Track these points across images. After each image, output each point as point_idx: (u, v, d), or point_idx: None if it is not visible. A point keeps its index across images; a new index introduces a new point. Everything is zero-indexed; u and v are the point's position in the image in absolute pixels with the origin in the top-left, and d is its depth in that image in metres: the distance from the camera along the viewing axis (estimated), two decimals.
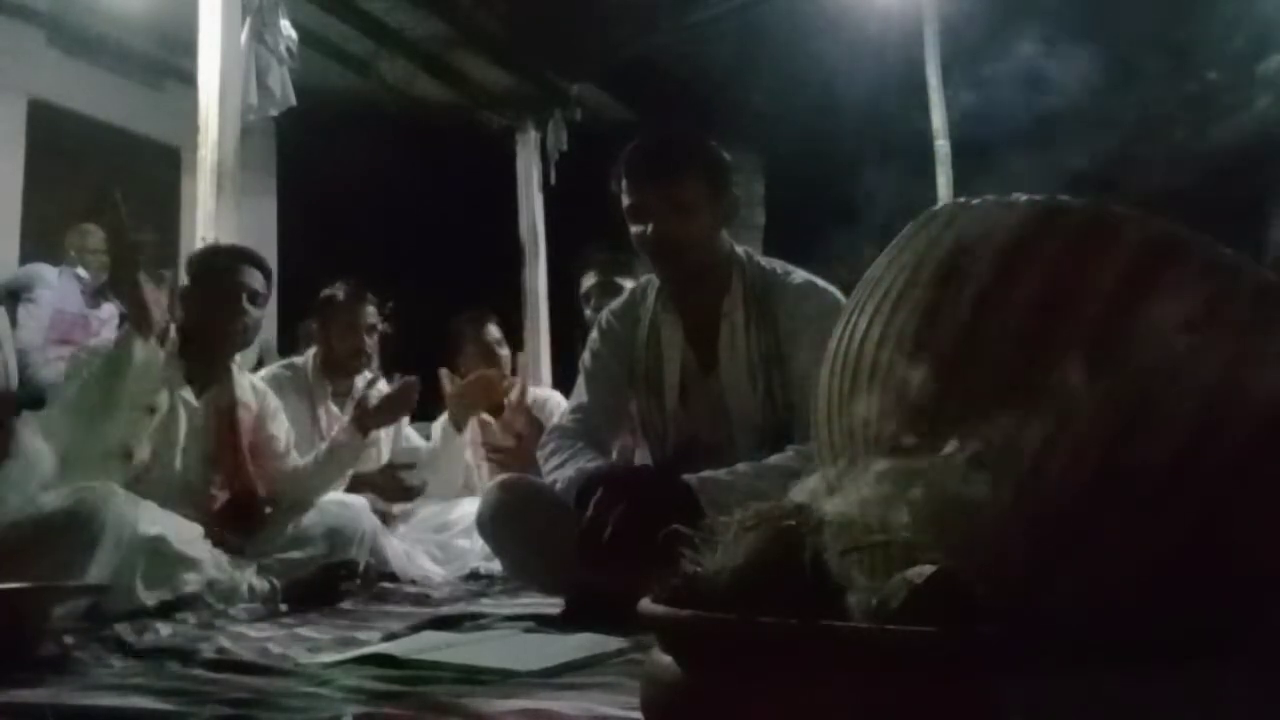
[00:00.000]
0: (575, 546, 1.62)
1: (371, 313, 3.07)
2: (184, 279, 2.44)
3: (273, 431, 2.50)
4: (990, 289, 0.75)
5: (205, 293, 2.34)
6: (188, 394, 2.30)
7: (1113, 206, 0.76)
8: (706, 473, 1.70)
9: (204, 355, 2.34)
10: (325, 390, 3.04)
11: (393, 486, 2.93)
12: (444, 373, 3.22)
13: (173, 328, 2.30)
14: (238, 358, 2.48)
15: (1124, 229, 0.74)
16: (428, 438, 3.42)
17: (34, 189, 5.11)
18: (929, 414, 0.74)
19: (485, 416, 3.39)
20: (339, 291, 3.07)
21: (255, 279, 2.39)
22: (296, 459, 2.54)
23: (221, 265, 2.39)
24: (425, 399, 2.85)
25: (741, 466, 1.73)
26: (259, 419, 2.46)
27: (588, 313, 3.12)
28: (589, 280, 3.15)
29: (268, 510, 2.39)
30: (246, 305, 2.35)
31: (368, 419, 2.57)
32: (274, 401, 2.57)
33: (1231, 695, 0.62)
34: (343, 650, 1.48)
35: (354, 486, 2.77)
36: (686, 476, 1.69)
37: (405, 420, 3.33)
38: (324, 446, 2.56)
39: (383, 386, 3.28)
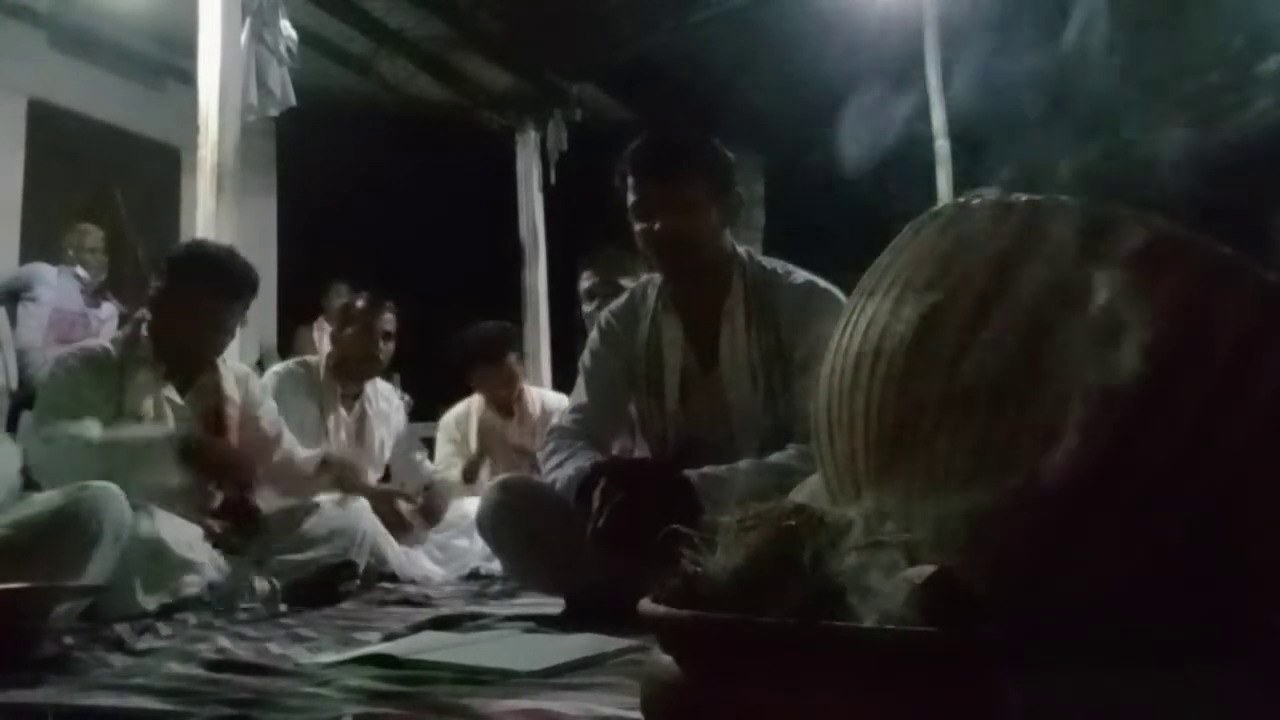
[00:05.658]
0: (586, 539, 1.62)
1: (389, 320, 3.08)
2: (162, 279, 2.31)
3: (260, 416, 2.45)
4: (990, 289, 0.75)
5: (186, 299, 2.26)
6: (172, 394, 2.27)
7: (1112, 206, 0.76)
8: (707, 468, 1.70)
9: (184, 358, 2.30)
10: (335, 393, 3.05)
11: (392, 518, 2.88)
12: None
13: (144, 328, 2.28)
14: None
15: (1124, 229, 0.74)
16: (430, 436, 3.43)
17: (34, 189, 5.12)
18: (929, 414, 0.74)
19: (499, 417, 3.40)
20: (359, 298, 3.09)
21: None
22: (292, 448, 2.52)
23: (202, 273, 2.29)
24: (427, 399, 2.84)
25: (742, 464, 1.73)
26: (244, 409, 2.42)
27: (586, 309, 3.12)
28: (588, 280, 3.16)
29: (262, 512, 2.36)
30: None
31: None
32: (256, 384, 2.53)
33: (1231, 695, 0.62)
34: (343, 650, 1.48)
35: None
36: (687, 471, 1.69)
37: (405, 423, 3.33)
38: (318, 459, 2.52)
39: (386, 388, 3.28)
